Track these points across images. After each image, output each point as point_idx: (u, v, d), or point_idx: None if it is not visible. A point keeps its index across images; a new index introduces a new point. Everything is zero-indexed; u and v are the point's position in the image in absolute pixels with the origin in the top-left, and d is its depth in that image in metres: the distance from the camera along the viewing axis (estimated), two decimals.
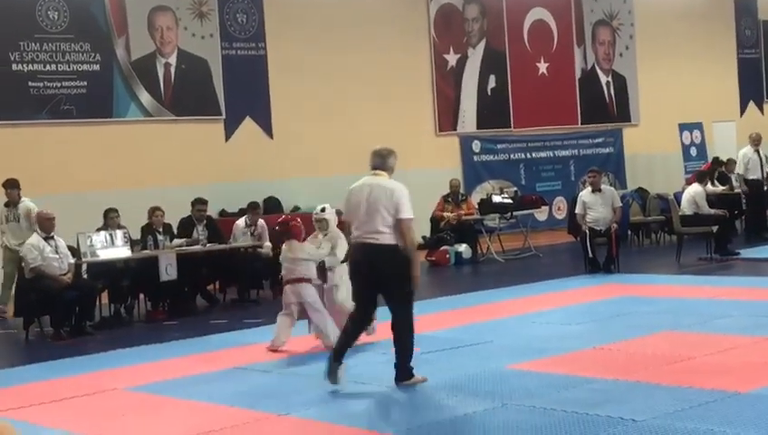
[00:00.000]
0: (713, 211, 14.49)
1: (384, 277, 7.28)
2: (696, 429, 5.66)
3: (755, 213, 16.90)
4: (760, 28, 25.52)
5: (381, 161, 7.62)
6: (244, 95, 17.45)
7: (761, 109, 25.34)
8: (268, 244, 13.15)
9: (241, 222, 13.43)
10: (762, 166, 16.77)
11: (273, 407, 6.92)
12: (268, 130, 17.75)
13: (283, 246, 9.37)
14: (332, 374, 7.29)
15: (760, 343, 8.21)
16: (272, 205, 17.33)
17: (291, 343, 9.49)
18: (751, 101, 25.21)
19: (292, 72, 17.85)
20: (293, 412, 6.74)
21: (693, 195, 14.49)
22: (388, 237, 7.26)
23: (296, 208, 17.72)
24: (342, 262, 8.98)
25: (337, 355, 7.37)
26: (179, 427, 6.57)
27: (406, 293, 7.33)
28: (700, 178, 15.26)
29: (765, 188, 16.74)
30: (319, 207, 9.64)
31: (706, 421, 5.80)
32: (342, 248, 9.11)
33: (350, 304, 8.81)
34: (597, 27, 22.40)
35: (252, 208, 13.59)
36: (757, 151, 16.72)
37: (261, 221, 13.43)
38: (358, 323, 7.59)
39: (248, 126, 17.56)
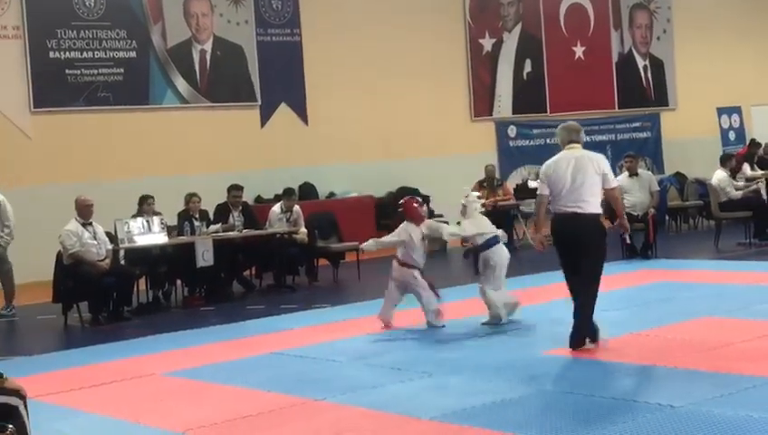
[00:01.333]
0: (733, 194, 14.21)
1: (585, 245, 7.64)
2: (736, 415, 5.59)
3: None
4: None
5: (576, 135, 8.01)
6: (279, 81, 17.48)
7: None
8: (303, 230, 13.19)
9: (277, 208, 13.46)
10: None
11: (310, 392, 6.93)
12: (303, 116, 17.78)
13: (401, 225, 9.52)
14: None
15: None
16: (307, 191, 17.37)
17: (326, 329, 9.53)
18: None
19: (327, 58, 17.86)
20: (330, 398, 6.75)
21: (718, 181, 14.30)
22: (592, 206, 7.67)
23: (332, 195, 17.75)
24: (486, 246, 9.17)
25: (580, 338, 7.62)
26: (217, 412, 6.60)
27: (600, 262, 7.74)
28: (723, 161, 14.94)
29: None
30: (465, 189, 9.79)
31: (746, 408, 5.73)
32: (481, 230, 9.28)
33: (497, 292, 9.07)
34: (634, 10, 22.20)
35: (287, 194, 13.62)
36: None
37: (296, 207, 13.46)
38: (582, 294, 7.74)
39: (283, 112, 17.60)
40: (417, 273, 9.35)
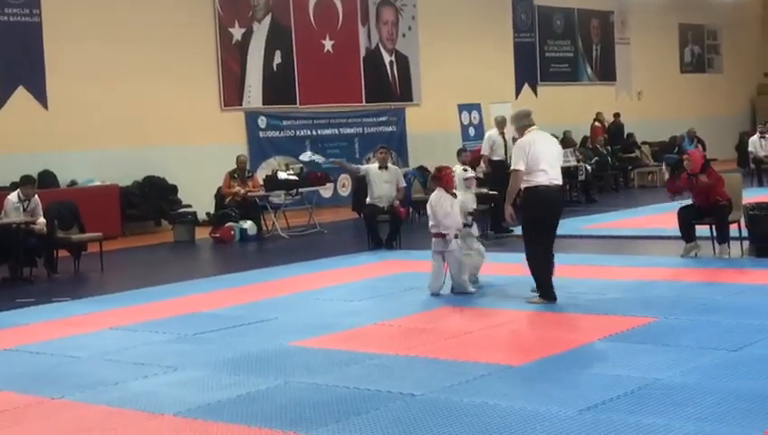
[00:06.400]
0: (483, 191, 14.77)
1: (560, 212, 9.13)
2: (472, 402, 5.84)
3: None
4: (535, 13, 26.61)
5: (529, 119, 9.07)
6: (16, 63, 16.64)
7: (534, 91, 26.46)
8: (42, 220, 12.66)
9: (13, 196, 12.83)
10: (506, 148, 16.83)
11: (47, 390, 6.64)
12: (43, 100, 17.00)
13: (433, 193, 9.92)
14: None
15: (531, 316, 8.59)
16: (47, 179, 16.63)
17: (65, 324, 9.19)
18: (526, 84, 26.27)
19: (69, 40, 17.15)
20: (69, 396, 6.49)
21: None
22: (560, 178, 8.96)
23: (73, 183, 17.11)
24: None
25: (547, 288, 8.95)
26: None
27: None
28: (457, 155, 15.38)
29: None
30: None
31: (481, 395, 5.99)
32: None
33: None
34: (381, 7, 22.70)
35: (25, 183, 13.00)
36: (502, 134, 16.65)
37: (35, 196, 12.89)
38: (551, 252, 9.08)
39: (21, 96, 16.77)
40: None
